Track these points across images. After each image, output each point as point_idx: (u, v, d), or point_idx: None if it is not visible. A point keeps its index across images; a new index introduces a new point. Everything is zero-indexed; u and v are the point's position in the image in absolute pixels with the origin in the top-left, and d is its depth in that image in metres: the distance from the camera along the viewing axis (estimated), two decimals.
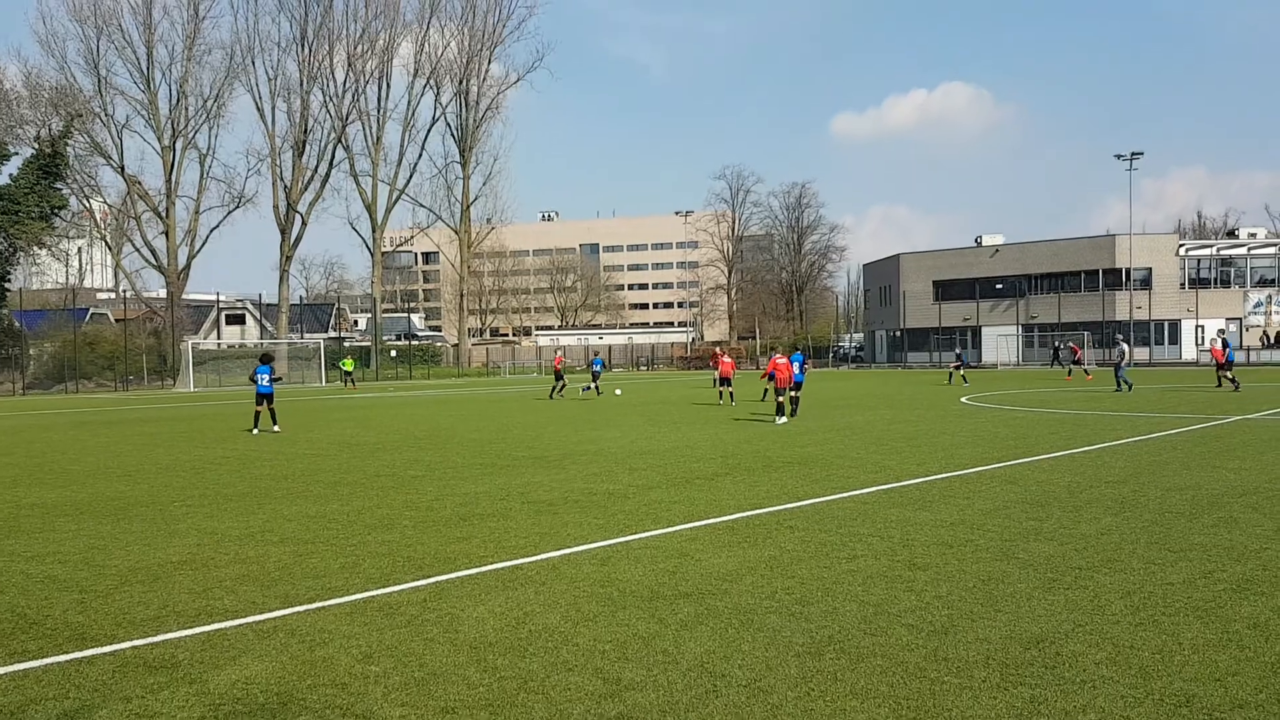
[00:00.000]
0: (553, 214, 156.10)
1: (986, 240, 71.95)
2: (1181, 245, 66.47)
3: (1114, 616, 5.78)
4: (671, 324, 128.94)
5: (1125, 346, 31.35)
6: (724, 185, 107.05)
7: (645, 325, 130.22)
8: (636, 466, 13.21)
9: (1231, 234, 73.18)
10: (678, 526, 8.80)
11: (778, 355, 21.17)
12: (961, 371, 43.28)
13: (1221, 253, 66.22)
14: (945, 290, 72.46)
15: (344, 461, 14.61)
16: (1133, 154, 63.09)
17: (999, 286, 70.03)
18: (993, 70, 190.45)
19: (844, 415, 22.80)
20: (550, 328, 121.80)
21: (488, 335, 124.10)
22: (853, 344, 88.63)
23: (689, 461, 13.73)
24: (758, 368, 55.70)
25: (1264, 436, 15.51)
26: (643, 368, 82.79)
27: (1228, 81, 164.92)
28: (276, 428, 20.49)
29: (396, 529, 8.92)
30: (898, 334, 76.23)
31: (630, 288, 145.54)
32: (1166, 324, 64.11)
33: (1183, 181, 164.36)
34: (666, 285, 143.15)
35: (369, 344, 71.97)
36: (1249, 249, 65.83)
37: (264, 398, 20.54)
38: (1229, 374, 29.25)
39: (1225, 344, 29.98)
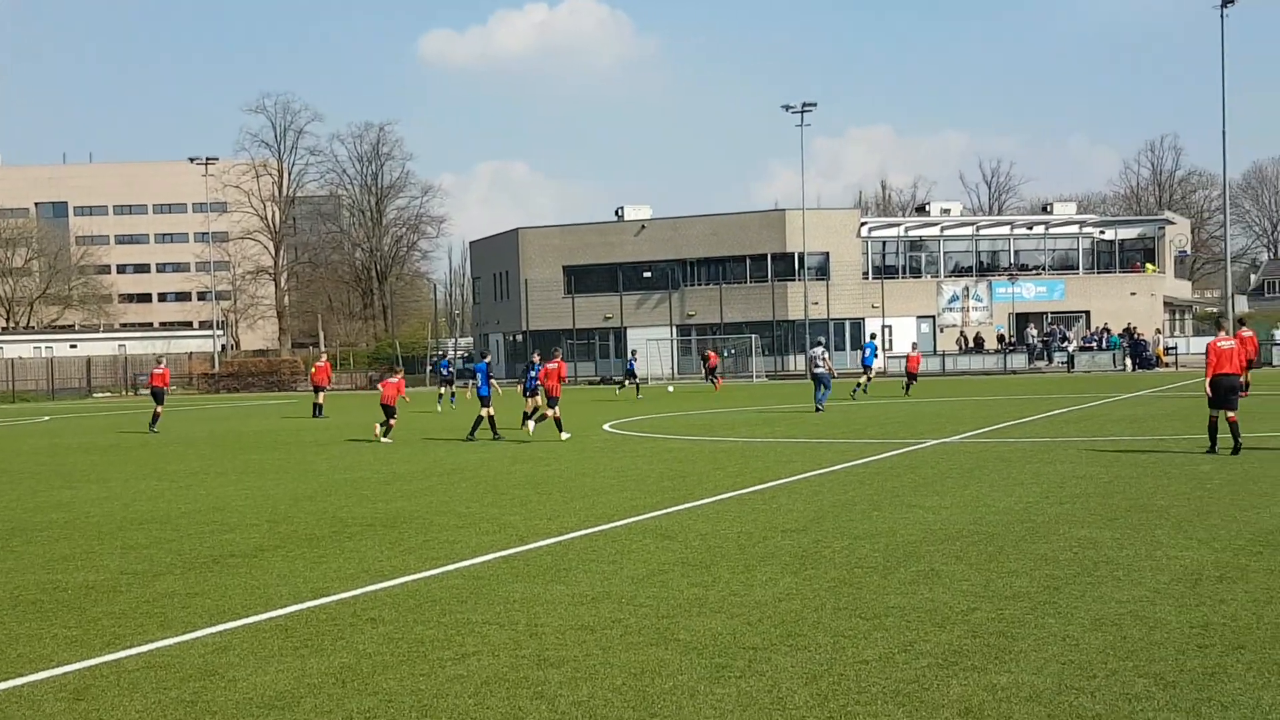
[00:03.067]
0: None
1: (630, 213, 76.28)
2: (864, 223, 75.08)
3: (797, 710, 6.22)
4: (190, 325, 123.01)
5: (821, 350, 34.84)
6: (264, 123, 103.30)
7: (148, 327, 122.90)
8: (134, 542, 12.65)
9: (921, 210, 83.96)
10: (200, 632, 8.37)
11: (550, 363, 25.59)
12: (635, 382, 46.60)
13: (910, 233, 75.68)
14: (580, 279, 75.70)
15: None
16: (804, 105, 69.98)
17: (648, 275, 74.50)
18: None
19: (449, 453, 22.99)
20: None
21: None
22: (459, 352, 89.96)
23: (219, 531, 13.28)
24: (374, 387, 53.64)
25: (964, 465, 17.84)
26: (143, 391, 77.64)
27: (912, 22, 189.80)
28: None
29: None
30: (519, 338, 78.52)
31: (122, 270, 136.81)
32: (848, 324, 72.02)
33: (864, 144, 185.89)
34: (180, 268, 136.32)
35: None
36: (942, 229, 75.84)
37: None
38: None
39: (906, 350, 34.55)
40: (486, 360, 29.89)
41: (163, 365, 37.38)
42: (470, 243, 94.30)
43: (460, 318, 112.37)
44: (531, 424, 26.42)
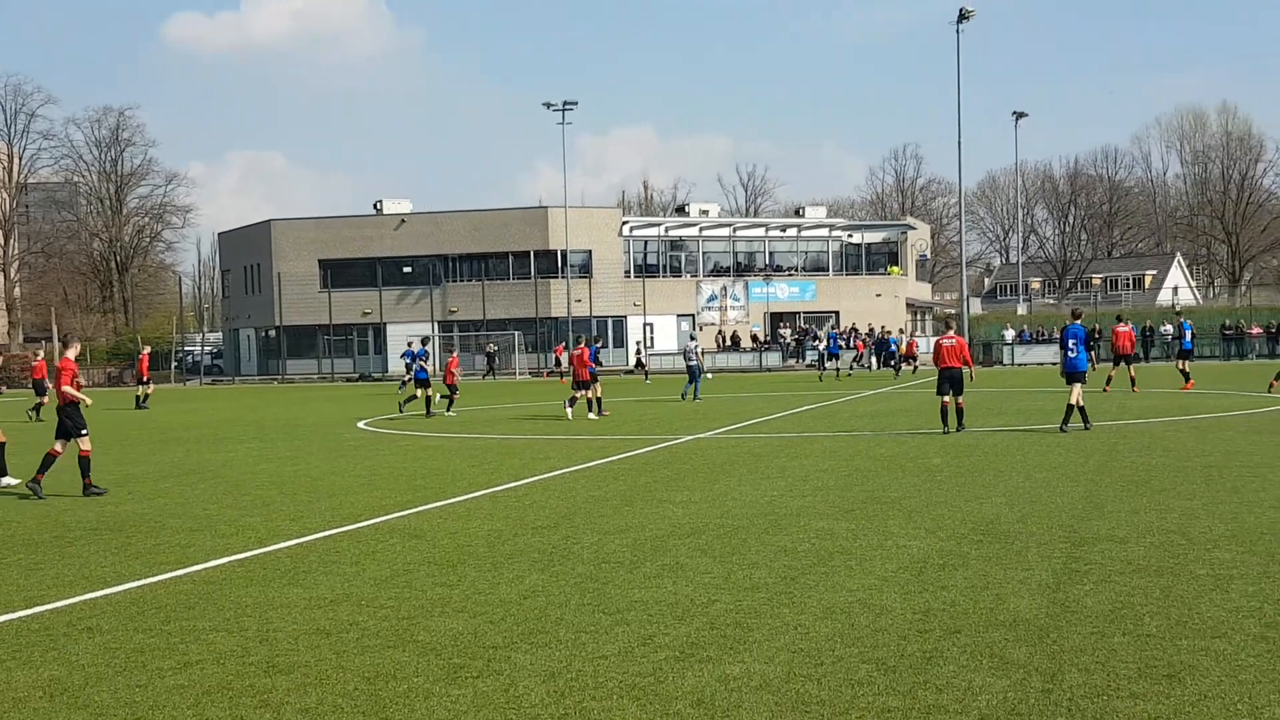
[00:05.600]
0: None
1: (389, 207, 75.22)
2: (626, 223, 76.21)
3: (532, 709, 6.22)
4: None
5: (696, 345, 37.94)
6: None
7: None
8: None
9: (681, 210, 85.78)
10: None
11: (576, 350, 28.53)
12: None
13: (671, 233, 77.29)
14: (337, 274, 74.20)
15: None
16: (565, 103, 70.55)
17: (408, 270, 73.66)
18: None
19: (188, 453, 22.13)
20: None
21: None
22: (207, 348, 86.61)
23: None
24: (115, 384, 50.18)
25: (716, 460, 18.26)
26: None
27: (674, 25, 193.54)
28: None
29: None
30: (272, 334, 76.25)
31: None
32: (611, 321, 72.96)
33: (628, 143, 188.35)
34: None
35: None
36: (701, 229, 77.74)
37: None
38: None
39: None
40: (425, 347, 35.12)
41: (38, 355, 38.82)
42: (219, 234, 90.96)
43: (210, 312, 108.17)
44: (571, 410, 28.27)
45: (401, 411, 32.40)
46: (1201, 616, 7.66)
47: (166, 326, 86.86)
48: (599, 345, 32.06)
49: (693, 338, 42.32)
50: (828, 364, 50.57)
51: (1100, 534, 10.64)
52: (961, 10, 60.90)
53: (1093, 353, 21.44)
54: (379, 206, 75.64)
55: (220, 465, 19.53)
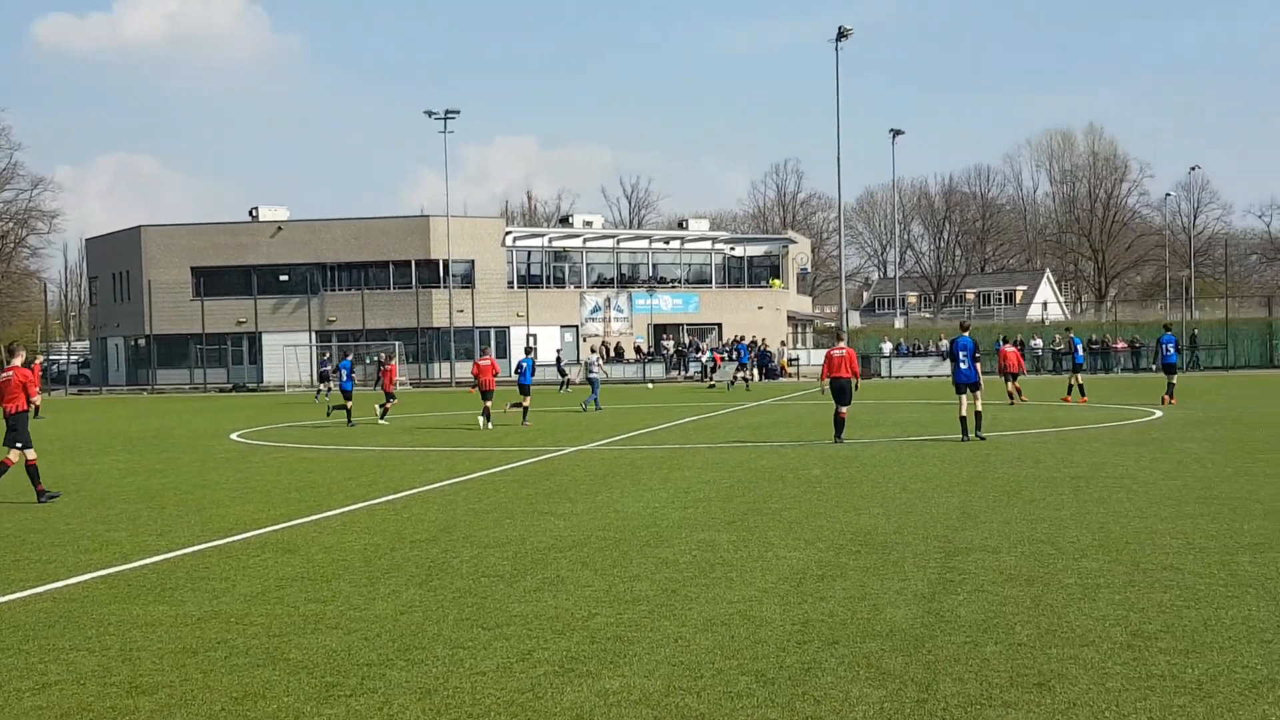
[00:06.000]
0: None
1: (266, 214, 73.91)
2: (509, 233, 75.91)
3: None
4: None
5: (596, 358, 40.41)
6: None
7: None
8: None
9: (565, 221, 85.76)
10: None
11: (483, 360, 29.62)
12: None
13: (554, 243, 77.20)
14: (211, 282, 72.66)
15: None
16: (447, 112, 69.96)
17: (284, 278, 72.40)
18: None
19: (51, 465, 21.22)
20: None
21: None
22: (73, 357, 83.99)
23: None
24: None
25: (598, 471, 18.21)
26: None
27: (558, 37, 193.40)
28: None
29: None
30: (142, 343, 74.19)
31: None
32: (494, 331, 72.55)
33: (511, 153, 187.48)
34: None
35: None
36: (585, 240, 77.83)
37: None
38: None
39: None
40: (348, 359, 36.51)
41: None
42: (87, 240, 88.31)
43: (76, 320, 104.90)
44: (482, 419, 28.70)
45: (329, 416, 33.07)
46: (1070, 625, 7.84)
47: (31, 335, 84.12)
48: (532, 358, 32.40)
49: (593, 350, 46.04)
50: (738, 375, 52.12)
51: (973, 544, 10.84)
52: (840, 28, 61.96)
53: (979, 365, 21.96)
54: (255, 213, 74.23)
55: (84, 478, 18.91)
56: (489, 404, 28.84)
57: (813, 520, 12.54)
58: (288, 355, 68.92)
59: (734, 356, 54.81)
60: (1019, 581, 9.19)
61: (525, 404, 30.16)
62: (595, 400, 36.61)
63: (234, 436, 28.20)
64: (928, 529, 11.76)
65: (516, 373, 31.67)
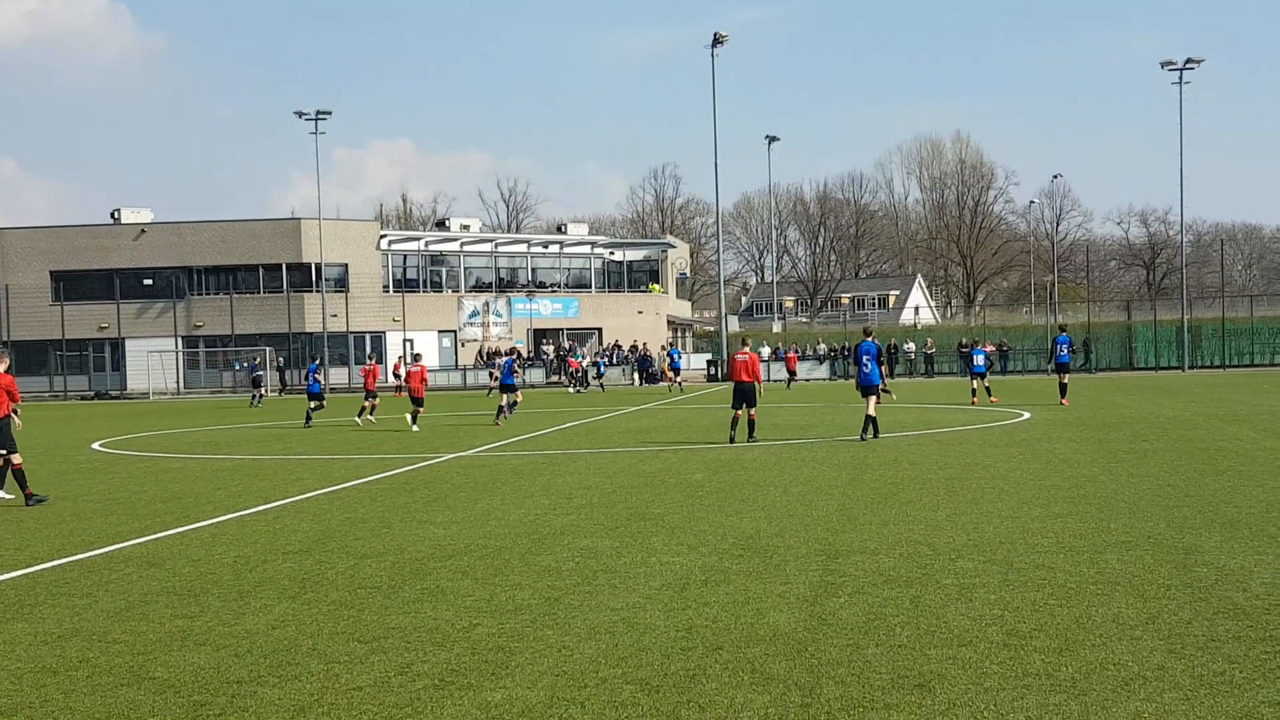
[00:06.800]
0: None
1: (128, 216, 71.89)
2: (384, 237, 74.93)
3: None
4: None
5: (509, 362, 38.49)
6: None
7: None
8: None
9: (441, 225, 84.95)
10: None
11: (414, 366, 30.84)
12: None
13: (431, 247, 76.38)
14: (70, 286, 70.48)
15: None
16: (318, 113, 68.40)
17: (148, 283, 70.52)
18: None
19: None
20: None
21: None
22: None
23: None
24: None
25: (478, 479, 18.01)
26: None
27: (434, 39, 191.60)
28: None
29: None
30: None
31: None
32: (369, 336, 71.52)
33: (386, 156, 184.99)
34: None
35: None
36: (462, 244, 77.14)
37: None
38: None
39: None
40: (317, 362, 37.50)
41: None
42: None
43: None
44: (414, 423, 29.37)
45: (308, 424, 32.98)
46: (949, 625, 7.95)
47: None
48: (514, 358, 32.55)
49: (510, 351, 46.57)
50: (668, 375, 53.70)
51: (853, 546, 10.95)
52: (715, 34, 62.62)
53: (884, 367, 22.66)
54: (117, 215, 72.18)
55: None
56: (420, 409, 29.87)
57: (695, 525, 12.56)
58: (153, 361, 67.11)
59: (671, 363, 54.79)
60: (898, 583, 9.31)
61: (505, 401, 31.15)
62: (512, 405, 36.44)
63: (96, 446, 27.30)
64: (808, 532, 11.86)
65: (499, 371, 32.95)
